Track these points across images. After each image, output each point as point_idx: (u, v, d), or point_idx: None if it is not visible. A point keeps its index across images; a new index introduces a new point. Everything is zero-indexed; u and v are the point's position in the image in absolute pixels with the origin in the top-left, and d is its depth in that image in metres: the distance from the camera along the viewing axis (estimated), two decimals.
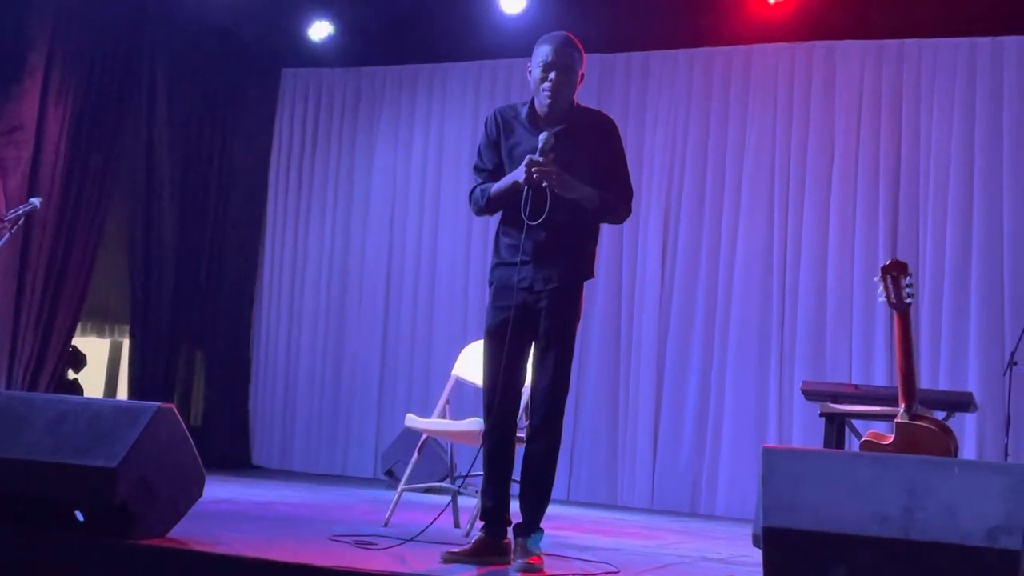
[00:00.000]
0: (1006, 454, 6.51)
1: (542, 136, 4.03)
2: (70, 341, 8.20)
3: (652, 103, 8.59)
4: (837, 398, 5.95)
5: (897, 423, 4.22)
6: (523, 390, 4.20)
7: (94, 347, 9.74)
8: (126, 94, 8.43)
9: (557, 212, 4.06)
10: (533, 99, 4.20)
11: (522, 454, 4.17)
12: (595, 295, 8.48)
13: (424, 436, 5.53)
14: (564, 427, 8.10)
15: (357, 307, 9.32)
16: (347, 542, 4.36)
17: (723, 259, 8.20)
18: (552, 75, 4.09)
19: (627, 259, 8.49)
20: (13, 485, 3.93)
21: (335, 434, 9.21)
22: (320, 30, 9.01)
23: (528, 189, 4.03)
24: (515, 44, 7.78)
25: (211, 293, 9.27)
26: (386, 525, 5.18)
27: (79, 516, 3.94)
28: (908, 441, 4.12)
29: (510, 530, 4.13)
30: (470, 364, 5.58)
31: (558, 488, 8.07)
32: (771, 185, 8.15)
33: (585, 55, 4.24)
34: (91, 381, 9.52)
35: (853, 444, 5.75)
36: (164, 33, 8.69)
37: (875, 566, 3.21)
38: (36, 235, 7.75)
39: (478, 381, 4.41)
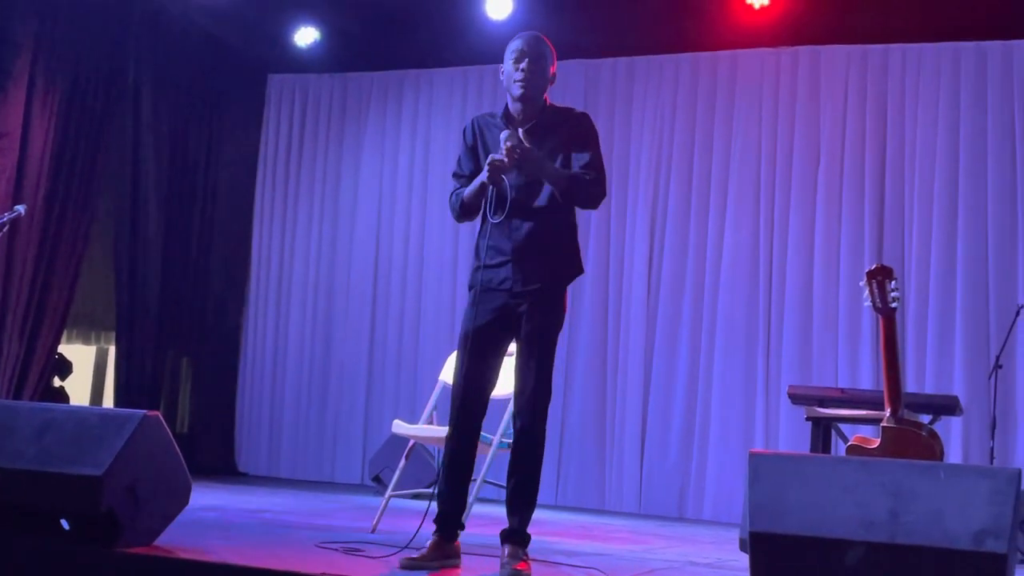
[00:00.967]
0: (992, 457, 6.53)
1: (503, 134, 4.03)
2: (55, 349, 8.17)
3: (638, 108, 8.61)
4: (823, 402, 5.97)
5: (883, 427, 4.23)
6: (492, 396, 4.19)
7: (80, 354, 9.70)
8: (111, 101, 8.41)
9: (532, 210, 4.06)
10: (507, 104, 4.21)
11: (507, 460, 4.17)
12: (582, 300, 8.50)
13: (411, 442, 5.52)
14: (551, 432, 8.13)
15: (344, 313, 9.31)
16: (334, 549, 4.34)
17: (710, 263, 8.22)
18: (524, 64, 4.10)
19: (614, 263, 8.50)
20: None
21: (322, 441, 9.19)
22: (306, 36, 9.01)
23: (492, 188, 4.04)
24: (501, 50, 7.66)
25: (197, 300, 9.25)
26: (373, 531, 5.17)
27: (65, 525, 3.92)
28: (894, 445, 4.14)
29: (493, 536, 4.13)
30: None
31: (546, 493, 8.15)
32: (757, 189, 8.18)
33: (556, 57, 4.24)
34: (77, 388, 9.48)
35: (840, 448, 5.77)
36: (149, 40, 8.67)
37: (862, 570, 3.21)
38: (21, 242, 7.72)
39: None
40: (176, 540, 4.13)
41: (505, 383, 4.35)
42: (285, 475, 9.17)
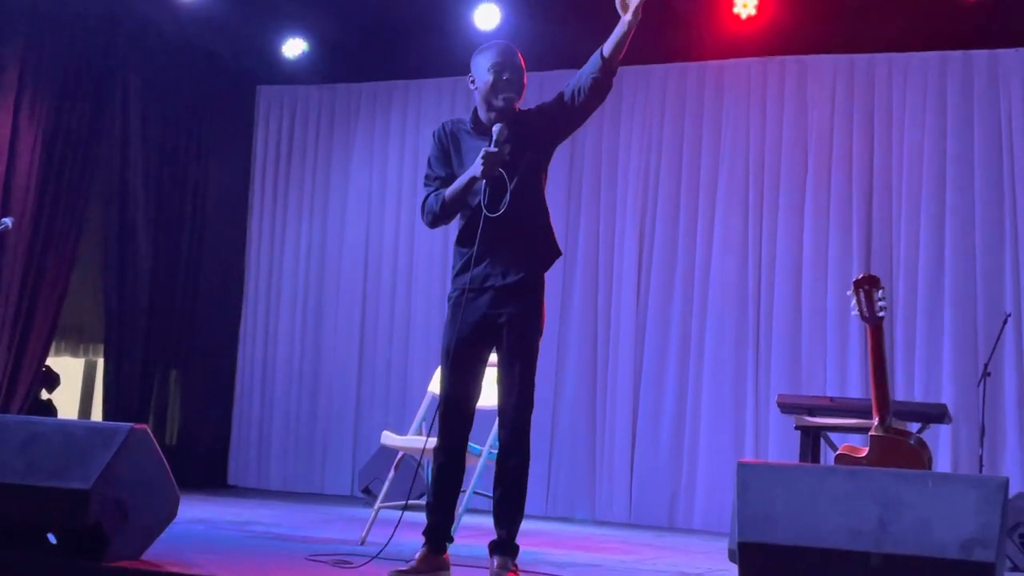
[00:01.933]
0: (981, 465, 6.55)
1: (496, 127, 4.03)
2: (43, 361, 8.14)
3: (626, 118, 8.62)
4: (813, 411, 5.97)
5: (871, 436, 4.24)
6: (479, 406, 4.18)
7: (68, 366, 9.67)
8: (99, 113, 8.40)
9: (511, 205, 4.06)
10: (476, 111, 4.22)
11: (494, 472, 4.16)
12: (571, 309, 8.51)
13: (400, 453, 5.52)
14: (541, 441, 8.11)
15: (333, 323, 9.30)
16: (324, 561, 4.33)
17: (698, 272, 8.23)
18: (506, 75, 4.12)
19: (603, 273, 8.50)
20: None
21: (312, 452, 9.17)
22: (294, 47, 9.02)
23: (484, 183, 4.04)
24: None
25: (187, 311, 9.23)
26: (363, 543, 5.16)
27: (52, 538, 3.91)
28: (882, 454, 4.14)
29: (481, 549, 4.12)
30: None
31: (536, 503, 8.15)
32: (745, 199, 8.19)
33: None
34: (66, 401, 9.45)
35: (829, 456, 5.77)
36: (137, 52, 8.67)
37: None
38: (9, 254, 7.70)
39: None
40: (164, 554, 4.12)
41: (491, 394, 4.34)
42: (275, 487, 9.15)
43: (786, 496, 3.35)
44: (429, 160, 4.31)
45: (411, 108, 9.32)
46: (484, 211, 4.04)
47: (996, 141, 7.65)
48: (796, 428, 5.74)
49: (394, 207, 9.24)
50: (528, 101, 8.83)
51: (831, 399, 6.17)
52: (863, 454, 4.20)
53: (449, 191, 4.14)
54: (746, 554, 3.33)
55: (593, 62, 4.08)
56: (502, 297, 4.06)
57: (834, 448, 5.74)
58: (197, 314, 9.30)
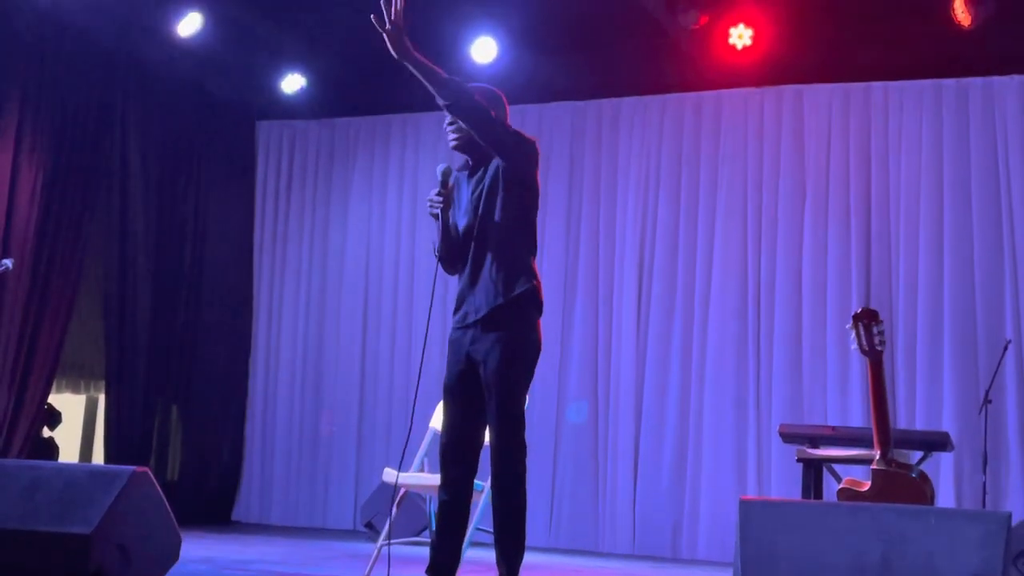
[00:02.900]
0: (984, 492, 6.53)
1: (439, 168, 4.18)
2: (45, 400, 8.13)
3: (624, 149, 8.65)
4: (815, 440, 5.96)
5: (873, 470, 4.23)
6: (480, 442, 4.19)
7: (70, 403, 9.67)
8: (99, 151, 8.42)
9: (479, 244, 4.11)
10: None
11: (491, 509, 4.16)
12: (571, 340, 8.51)
13: (402, 490, 5.50)
14: (544, 474, 8.10)
15: (334, 358, 9.29)
16: None
17: (698, 302, 8.23)
18: (448, 118, 4.23)
19: (603, 304, 8.51)
20: None
21: (314, 487, 9.15)
22: (293, 83, 9.05)
23: (438, 224, 4.15)
24: None
25: (188, 347, 9.22)
26: None
27: None
28: (884, 488, 4.14)
29: None
30: None
31: (540, 535, 8.13)
32: (744, 228, 8.21)
33: (502, 99, 4.29)
34: (67, 438, 9.44)
35: (833, 485, 5.76)
36: (136, 89, 8.70)
37: None
38: (9, 295, 7.69)
39: None
40: None
41: None
42: (277, 522, 9.12)
43: (788, 533, 3.35)
44: None
45: (409, 141, 9.36)
46: (435, 255, 4.14)
47: (992, 167, 7.67)
48: (798, 461, 5.73)
49: (393, 240, 9.26)
50: (528, 133, 8.85)
51: (833, 428, 6.17)
52: (865, 488, 4.20)
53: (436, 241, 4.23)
54: None
55: None
56: (477, 334, 4.09)
57: (837, 479, 5.73)
58: (198, 350, 9.29)
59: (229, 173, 9.62)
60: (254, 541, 7.53)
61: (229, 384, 9.49)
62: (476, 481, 4.50)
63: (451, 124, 4.22)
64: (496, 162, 4.17)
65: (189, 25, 8.11)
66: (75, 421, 9.88)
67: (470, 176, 4.26)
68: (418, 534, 7.06)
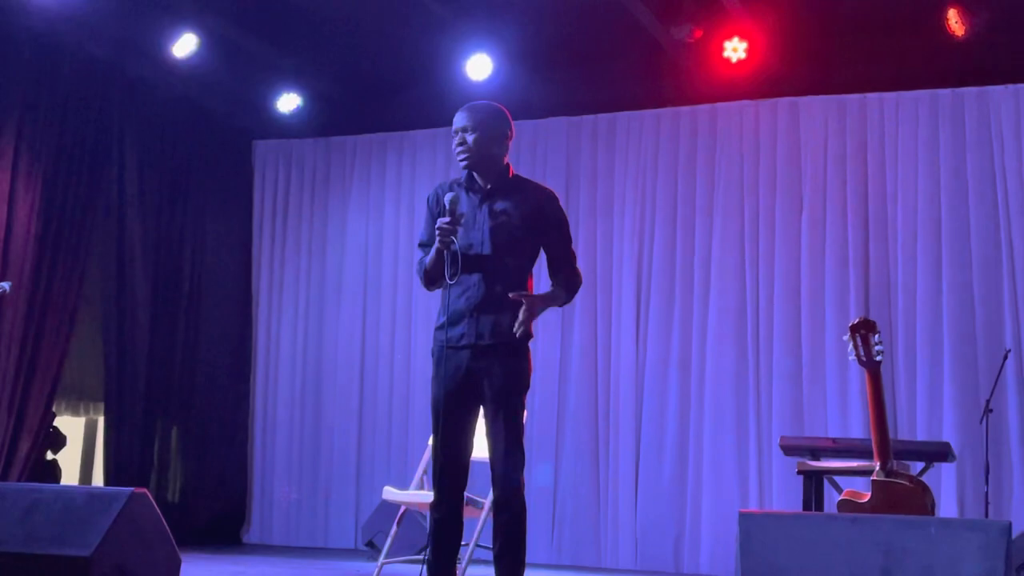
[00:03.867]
0: (986, 502, 6.51)
1: (447, 196, 4.12)
2: (45, 422, 8.11)
3: (620, 163, 8.66)
4: (815, 452, 5.95)
5: (873, 481, 4.22)
6: (471, 460, 4.18)
7: (69, 425, 9.64)
8: (96, 172, 8.42)
9: (487, 269, 4.10)
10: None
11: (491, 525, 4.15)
12: (571, 355, 8.51)
13: (403, 508, 5.50)
14: (546, 490, 8.08)
15: (333, 377, 9.28)
16: None
17: (696, 314, 8.23)
18: (459, 137, 4.22)
19: (601, 318, 8.50)
20: None
21: (315, 507, 9.13)
22: (289, 102, 9.07)
23: (447, 252, 4.09)
24: None
25: (187, 368, 9.21)
26: None
27: None
28: (885, 499, 4.12)
29: None
30: None
31: (542, 552, 8.11)
32: (741, 241, 8.21)
33: (509, 119, 4.30)
34: (67, 460, 9.42)
35: (834, 497, 5.75)
36: (133, 110, 8.70)
37: None
38: (8, 318, 7.69)
39: None
40: None
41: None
42: (278, 542, 9.10)
43: (789, 545, 3.34)
44: (424, 225, 4.36)
45: (406, 159, 9.37)
46: (447, 280, 4.10)
47: (989, 177, 7.68)
48: (799, 473, 5.72)
49: (391, 257, 9.26)
50: (524, 149, 8.87)
51: (833, 440, 6.15)
52: (865, 499, 4.18)
53: (427, 260, 4.20)
54: None
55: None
56: (482, 353, 4.07)
57: (838, 490, 5.72)
58: (198, 371, 9.28)
59: (226, 193, 9.63)
60: (255, 561, 7.51)
61: (229, 405, 9.48)
62: (476, 497, 4.50)
63: (460, 144, 4.21)
64: (536, 207, 4.21)
65: (184, 46, 8.12)
66: (75, 443, 9.86)
67: (475, 192, 4.22)
68: (419, 552, 7.04)
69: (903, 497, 4.12)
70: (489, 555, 4.16)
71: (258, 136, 9.78)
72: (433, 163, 9.18)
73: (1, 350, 7.67)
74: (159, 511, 4.16)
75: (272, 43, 8.54)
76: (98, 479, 9.32)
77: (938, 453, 5.96)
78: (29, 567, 3.82)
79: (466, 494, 4.29)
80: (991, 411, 6.67)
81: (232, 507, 9.33)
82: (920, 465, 6.06)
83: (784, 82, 8.16)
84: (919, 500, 4.11)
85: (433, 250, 4.15)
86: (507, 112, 4.32)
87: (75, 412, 9.82)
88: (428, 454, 5.61)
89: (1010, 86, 7.71)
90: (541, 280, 4.32)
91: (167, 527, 4.17)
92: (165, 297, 9.03)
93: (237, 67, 8.59)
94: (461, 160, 4.20)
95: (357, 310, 9.30)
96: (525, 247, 4.17)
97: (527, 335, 4.04)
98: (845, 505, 4.20)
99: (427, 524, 6.54)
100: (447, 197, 4.11)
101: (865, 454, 5.58)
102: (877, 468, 4.23)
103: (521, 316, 4.01)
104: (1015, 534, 5.87)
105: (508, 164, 4.29)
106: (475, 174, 4.24)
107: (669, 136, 8.56)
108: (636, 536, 8.12)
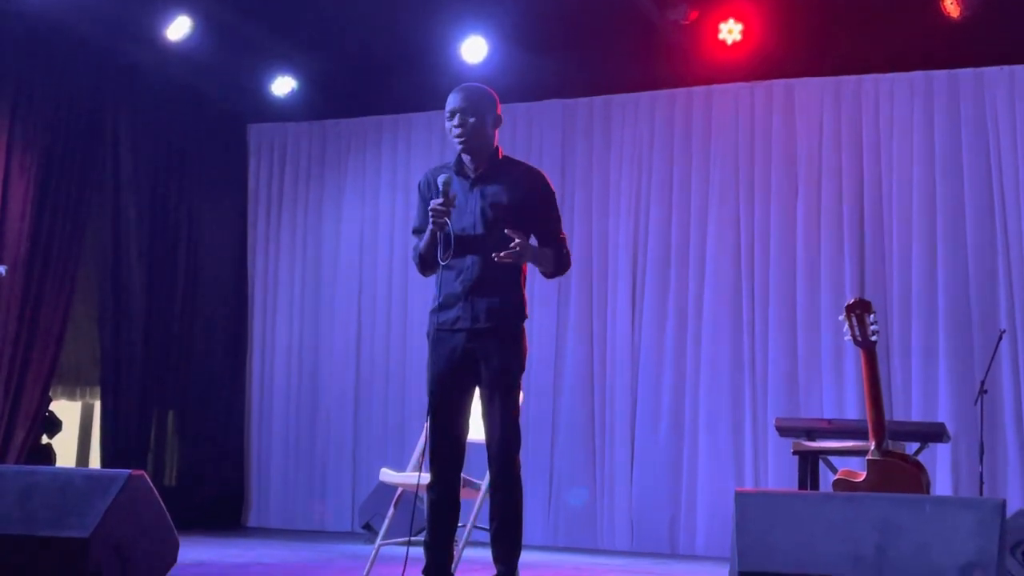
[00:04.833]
0: (981, 483, 6.53)
1: (440, 178, 4.13)
2: (42, 407, 8.11)
3: (616, 146, 8.65)
4: (811, 433, 5.98)
5: (868, 460, 4.24)
6: (468, 441, 4.20)
7: (65, 409, 9.64)
8: (91, 156, 8.41)
9: (481, 252, 4.11)
10: (459, 153, 4.33)
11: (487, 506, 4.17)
12: (566, 336, 8.52)
13: (399, 490, 5.51)
14: (542, 472, 8.09)
15: (328, 360, 9.28)
16: None
17: (691, 297, 8.24)
18: (456, 119, 4.23)
19: (597, 301, 8.51)
20: None
21: (311, 489, 9.15)
22: (283, 85, 9.05)
23: (440, 234, 4.10)
24: None
25: (183, 351, 9.21)
26: None
27: None
28: (879, 478, 4.14)
29: None
30: None
31: (539, 534, 8.14)
32: (736, 223, 8.21)
33: (498, 101, 4.32)
34: (64, 445, 9.43)
35: (828, 477, 5.78)
36: (126, 95, 8.69)
37: None
38: (3, 302, 7.68)
39: None
40: None
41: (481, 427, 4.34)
42: (275, 525, 9.12)
43: (784, 524, 3.36)
44: (416, 211, 4.38)
45: (401, 142, 9.36)
46: (439, 262, 4.11)
47: (984, 158, 7.68)
48: (794, 453, 5.74)
49: (387, 241, 9.25)
50: (519, 131, 8.87)
51: (829, 421, 6.18)
52: (861, 478, 4.20)
53: (422, 244, 4.22)
54: None
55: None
56: (477, 335, 4.09)
57: (834, 470, 5.74)
58: (194, 354, 9.29)
59: (221, 176, 9.62)
60: (252, 544, 7.53)
61: (225, 388, 9.49)
62: (473, 478, 4.52)
63: (458, 127, 4.21)
64: (527, 188, 4.23)
65: (179, 29, 8.10)
66: (71, 427, 9.84)
67: (465, 176, 4.24)
68: (416, 534, 7.05)
69: (898, 476, 4.14)
70: (486, 536, 4.18)
71: (253, 119, 9.76)
72: (428, 146, 9.17)
73: None
74: (157, 493, 4.17)
75: (267, 26, 8.51)
76: (95, 463, 9.33)
77: (933, 434, 5.99)
78: (27, 548, 3.83)
79: (463, 475, 4.32)
80: (986, 392, 6.69)
81: (230, 490, 9.35)
82: (915, 446, 6.08)
83: (779, 64, 8.15)
84: (914, 479, 4.13)
85: (427, 233, 4.17)
86: (495, 96, 4.34)
87: (71, 397, 9.81)
88: (425, 436, 5.62)
89: (1005, 67, 7.71)
90: (535, 275, 4.34)
91: (165, 509, 4.18)
92: (161, 281, 9.03)
93: (231, 50, 8.56)
94: (458, 142, 4.21)
95: (353, 293, 9.30)
96: (517, 228, 4.18)
97: (507, 261, 4.05)
98: (840, 484, 4.22)
99: (423, 506, 6.57)
100: (440, 179, 4.14)
101: (861, 435, 5.61)
102: (872, 447, 4.25)
103: (507, 250, 4.03)
104: (1010, 513, 5.90)
105: (498, 147, 4.31)
106: (466, 157, 4.26)
107: (664, 118, 8.56)
108: (632, 517, 8.15)
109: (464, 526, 4.90)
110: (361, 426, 9.10)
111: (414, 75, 8.69)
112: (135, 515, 4.00)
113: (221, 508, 9.23)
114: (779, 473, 7.67)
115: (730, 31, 7.87)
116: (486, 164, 4.25)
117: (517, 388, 4.14)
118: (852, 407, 7.58)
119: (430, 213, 4.10)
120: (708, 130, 8.41)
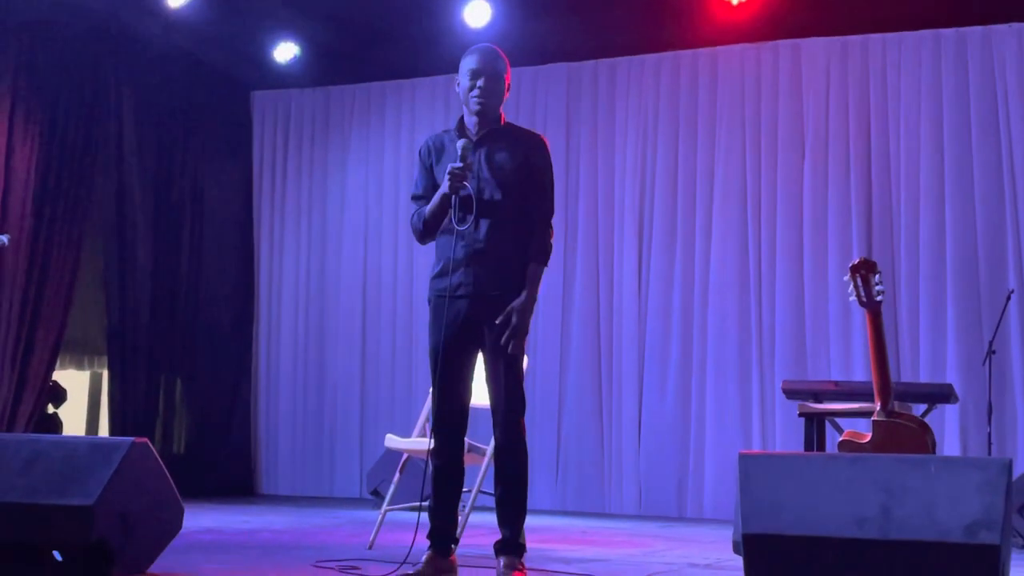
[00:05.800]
0: (989, 443, 6.52)
1: (459, 143, 4.06)
2: (49, 377, 8.13)
3: (621, 109, 8.60)
4: (818, 396, 5.95)
5: (874, 421, 4.21)
6: (469, 405, 4.17)
7: (73, 380, 9.68)
8: (94, 125, 8.39)
9: (488, 217, 4.07)
10: (462, 117, 4.25)
11: (492, 471, 4.16)
12: (572, 302, 8.51)
13: (405, 456, 5.51)
14: (549, 438, 8.09)
15: (335, 326, 9.29)
16: (331, 567, 4.33)
17: (698, 260, 8.21)
18: (480, 81, 4.15)
19: (603, 265, 8.49)
20: None
21: (320, 456, 9.18)
22: (286, 52, 8.99)
23: (455, 197, 4.05)
24: None
25: (189, 320, 9.22)
26: (371, 547, 5.16)
27: (57, 556, 3.91)
28: (885, 439, 4.12)
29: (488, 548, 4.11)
30: None
31: (547, 499, 8.15)
32: (743, 185, 8.17)
33: (509, 67, 4.25)
34: (72, 415, 9.46)
35: (835, 439, 5.76)
36: (129, 63, 8.65)
37: (856, 566, 3.20)
38: (8, 272, 7.69)
39: None
40: (170, 566, 4.12)
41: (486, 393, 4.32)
42: (284, 492, 9.15)
43: (789, 486, 3.34)
44: (415, 179, 4.34)
45: (404, 107, 9.32)
46: (455, 225, 4.04)
47: (993, 117, 7.62)
48: (800, 415, 5.72)
49: (392, 206, 9.23)
50: (523, 95, 8.82)
51: (836, 383, 6.15)
52: (866, 439, 4.18)
53: (428, 209, 4.17)
54: (751, 545, 3.31)
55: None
56: (479, 302, 4.05)
57: (840, 432, 5.72)
58: (200, 323, 9.30)
59: (225, 144, 9.60)
60: (260, 510, 7.56)
61: (232, 356, 9.50)
62: (478, 444, 4.51)
63: (479, 88, 4.13)
64: (527, 151, 4.17)
65: None
66: (79, 397, 9.89)
67: (479, 144, 4.16)
68: (424, 499, 7.06)
69: (904, 436, 4.12)
70: (492, 501, 4.17)
71: (256, 87, 9.73)
72: (432, 110, 9.12)
73: (2, 304, 7.67)
74: (160, 460, 4.17)
75: None
76: (103, 433, 9.37)
77: (941, 395, 5.96)
78: (31, 516, 3.83)
79: (468, 440, 4.31)
80: (994, 352, 6.67)
81: (238, 458, 9.37)
82: (923, 407, 6.06)
83: (785, 24, 8.08)
84: (920, 439, 4.10)
85: (438, 196, 4.11)
86: (507, 59, 4.28)
87: (79, 366, 9.84)
88: (430, 400, 5.61)
89: (1014, 24, 7.64)
90: None
91: (169, 476, 4.17)
92: (166, 249, 9.03)
93: (234, 17, 8.50)
94: (476, 103, 4.14)
95: (358, 259, 9.28)
96: (520, 193, 4.14)
97: (519, 349, 4.01)
98: (846, 445, 4.20)
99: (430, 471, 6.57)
100: (459, 143, 4.07)
101: (867, 396, 5.56)
102: (878, 408, 4.23)
103: (507, 333, 3.98)
104: (1017, 474, 5.89)
105: (501, 112, 4.27)
106: (472, 120, 4.20)
107: (670, 81, 8.50)
108: (640, 481, 8.15)
109: (469, 491, 4.90)
110: (368, 392, 9.11)
111: (417, 40, 8.63)
112: (139, 483, 3.99)
113: (230, 475, 9.26)
114: (786, 436, 7.67)
115: None
116: (489, 128, 4.20)
117: (521, 352, 4.12)
118: (859, 369, 7.55)
119: (448, 176, 4.03)
120: (714, 92, 8.35)
